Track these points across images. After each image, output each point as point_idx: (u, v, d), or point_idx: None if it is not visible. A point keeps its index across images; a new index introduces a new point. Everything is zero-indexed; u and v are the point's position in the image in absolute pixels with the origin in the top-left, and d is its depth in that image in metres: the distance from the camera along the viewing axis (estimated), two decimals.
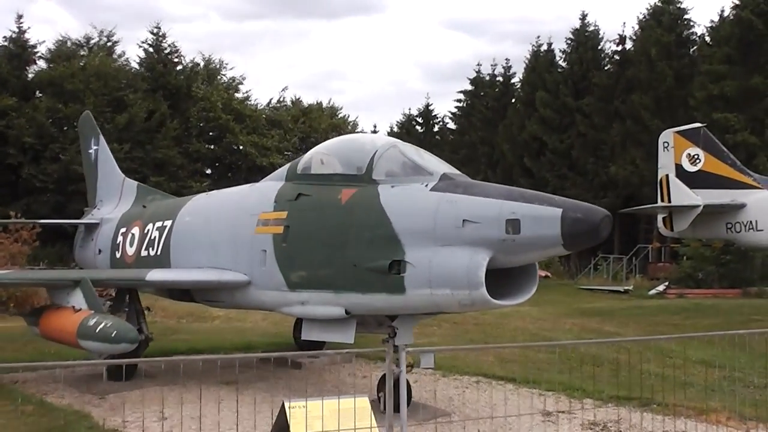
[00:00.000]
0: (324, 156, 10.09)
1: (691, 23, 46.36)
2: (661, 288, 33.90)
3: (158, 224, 12.46)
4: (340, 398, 7.54)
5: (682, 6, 46.35)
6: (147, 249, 12.50)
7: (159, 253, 12.10)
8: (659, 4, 46.68)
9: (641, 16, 47.80)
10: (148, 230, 12.68)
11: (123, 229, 13.79)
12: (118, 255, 13.66)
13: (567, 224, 7.44)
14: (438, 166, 8.87)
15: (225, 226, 10.82)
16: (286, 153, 53.83)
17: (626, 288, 34.99)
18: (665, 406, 9.46)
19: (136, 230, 13.20)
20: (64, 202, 43.90)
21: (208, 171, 53.72)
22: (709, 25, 44.64)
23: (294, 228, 9.54)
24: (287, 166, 10.78)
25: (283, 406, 7.45)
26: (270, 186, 10.50)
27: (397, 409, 6.82)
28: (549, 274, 40.35)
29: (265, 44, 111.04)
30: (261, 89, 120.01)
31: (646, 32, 46.11)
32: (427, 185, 8.43)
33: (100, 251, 14.52)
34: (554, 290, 33.99)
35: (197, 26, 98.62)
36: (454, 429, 8.63)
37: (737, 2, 40.43)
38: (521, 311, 23.46)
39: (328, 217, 9.18)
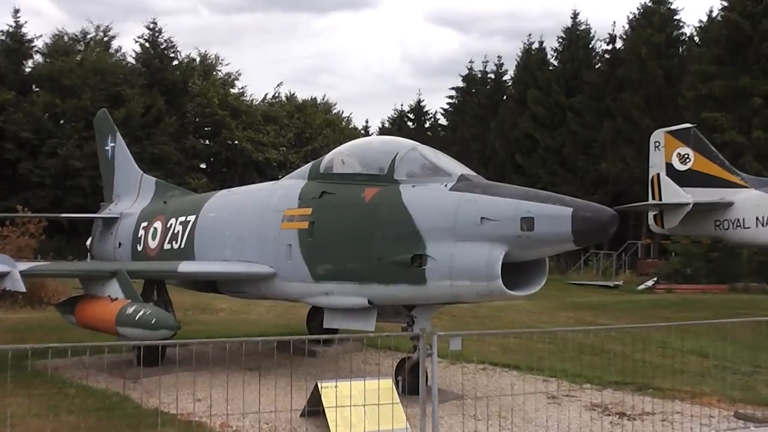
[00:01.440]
0: (346, 157, 10.78)
1: (681, 23, 47.34)
2: (649, 283, 34.84)
3: (181, 219, 13.10)
4: (366, 380, 8.30)
5: (673, 6, 47.30)
6: (170, 242, 13.14)
7: (183, 246, 12.74)
8: (650, 4, 47.54)
9: (632, 16, 48.72)
10: (171, 224, 13.32)
11: (144, 224, 14.41)
12: (139, 248, 14.28)
13: (577, 222, 8.18)
14: (455, 167, 9.60)
15: (250, 221, 11.48)
16: (281, 148, 54.45)
17: (616, 283, 35.88)
18: (661, 391, 10.25)
19: (158, 225, 13.82)
20: (63, 197, 44.34)
21: (203, 165, 54.16)
22: (698, 25, 45.63)
23: (319, 224, 10.23)
24: (309, 165, 11.47)
25: (316, 386, 8.19)
26: (293, 184, 11.19)
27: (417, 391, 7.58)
28: None
29: (254, 38, 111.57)
30: (249, 82, 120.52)
31: (636, 32, 46.99)
32: (446, 185, 9.15)
33: (120, 244, 15.13)
34: (545, 285, 34.64)
35: (185, 19, 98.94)
36: (470, 407, 9.34)
37: (725, 4, 41.35)
38: (516, 305, 24.23)
39: (352, 214, 9.87)
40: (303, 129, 57.49)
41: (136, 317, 9.84)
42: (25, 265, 11.14)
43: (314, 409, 8.03)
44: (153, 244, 13.74)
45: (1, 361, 11.09)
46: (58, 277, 13.67)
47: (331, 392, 8.04)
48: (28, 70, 48.38)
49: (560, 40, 52.25)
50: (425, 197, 9.22)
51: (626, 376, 11.03)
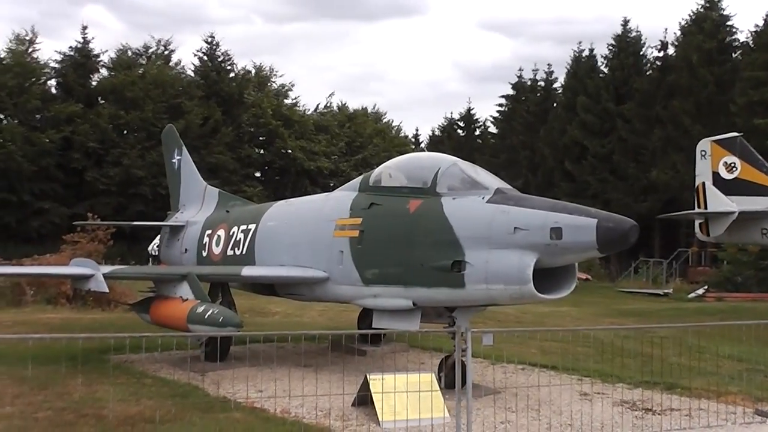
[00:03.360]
0: (393, 171, 11.81)
1: (734, 29, 46.90)
2: (700, 291, 34.83)
3: (243, 227, 14.27)
4: (410, 374, 9.25)
5: (725, 12, 46.94)
6: (233, 249, 14.32)
7: (244, 252, 13.90)
8: (702, 10, 47.32)
9: (683, 22, 48.49)
10: (233, 232, 14.50)
11: (209, 231, 15.64)
12: (204, 254, 15.50)
13: (601, 232, 9.02)
14: (492, 181, 10.50)
15: (306, 229, 12.56)
16: (332, 157, 55.79)
17: (665, 291, 35.90)
18: (688, 390, 10.89)
19: (221, 232, 15.03)
20: (126, 204, 46.51)
21: (257, 174, 55.85)
22: (754, 29, 45.09)
23: (368, 232, 11.24)
24: (359, 178, 12.52)
25: (366, 377, 9.17)
26: (345, 196, 12.24)
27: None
28: (590, 277, 41.33)
29: (304, 46, 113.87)
30: (299, 89, 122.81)
31: (687, 38, 46.80)
32: (483, 198, 10.05)
33: (186, 250, 16.39)
34: (594, 293, 35.14)
35: (238, 29, 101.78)
36: (506, 401, 10.15)
37: None
38: (561, 311, 24.82)
39: (398, 223, 10.85)
40: (354, 138, 58.78)
41: (206, 316, 10.97)
42: (107, 269, 12.47)
43: (364, 394, 9.01)
44: (217, 250, 14.94)
45: (88, 353, 12.50)
46: (136, 279, 14.94)
47: (378, 383, 9.02)
48: (94, 83, 50.87)
49: (610, 47, 52.32)
50: (464, 209, 10.13)
51: (658, 376, 11.64)
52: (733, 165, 25.42)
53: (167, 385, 10.84)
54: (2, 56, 47.57)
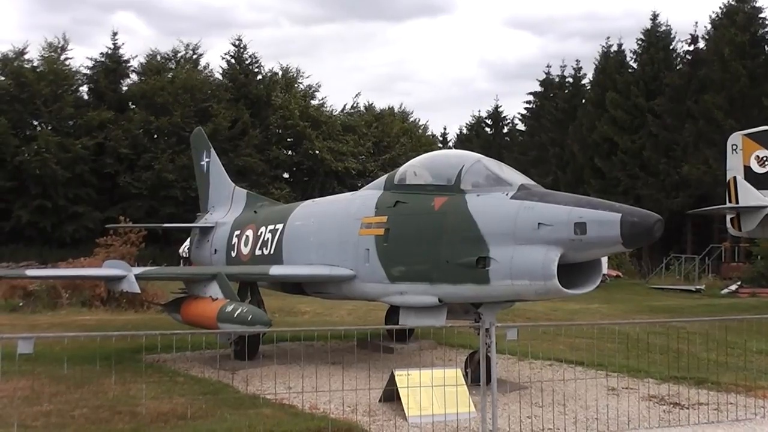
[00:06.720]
0: (417, 169, 11.87)
1: (766, 22, 46.16)
2: (733, 287, 34.31)
3: (270, 227, 14.45)
4: (436, 369, 9.34)
5: (757, 5, 46.25)
6: (261, 249, 14.50)
7: (272, 252, 14.07)
8: (733, 3, 46.67)
9: (714, 16, 47.94)
10: (261, 232, 14.69)
11: (237, 232, 15.86)
12: (233, 254, 15.72)
13: (626, 226, 8.98)
14: (516, 177, 10.52)
15: (332, 228, 12.68)
16: (360, 157, 55.98)
17: (698, 287, 35.47)
18: (718, 384, 10.81)
19: (250, 233, 15.24)
20: (157, 207, 47.28)
21: (286, 175, 56.26)
22: None
23: (393, 230, 11.32)
24: (384, 177, 12.60)
25: (392, 373, 9.26)
26: (370, 194, 12.33)
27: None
28: (621, 273, 41.09)
29: (332, 47, 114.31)
30: (328, 91, 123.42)
31: (719, 32, 46.23)
32: (507, 194, 10.07)
33: (216, 251, 16.63)
34: (625, 289, 34.85)
35: (267, 32, 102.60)
36: (532, 396, 10.19)
37: None
38: (591, 308, 24.66)
39: (423, 221, 10.91)
40: (381, 138, 58.91)
41: (235, 314, 11.15)
42: (138, 270, 12.73)
43: (390, 389, 9.11)
44: (245, 250, 15.15)
45: (121, 353, 12.80)
46: (167, 280, 15.21)
47: (404, 379, 9.09)
48: (124, 89, 51.73)
49: (639, 42, 51.84)
50: (488, 205, 10.17)
51: (688, 371, 11.56)
52: (765, 159, 25.08)
53: (198, 383, 11.05)
54: (36, 64, 48.61)
